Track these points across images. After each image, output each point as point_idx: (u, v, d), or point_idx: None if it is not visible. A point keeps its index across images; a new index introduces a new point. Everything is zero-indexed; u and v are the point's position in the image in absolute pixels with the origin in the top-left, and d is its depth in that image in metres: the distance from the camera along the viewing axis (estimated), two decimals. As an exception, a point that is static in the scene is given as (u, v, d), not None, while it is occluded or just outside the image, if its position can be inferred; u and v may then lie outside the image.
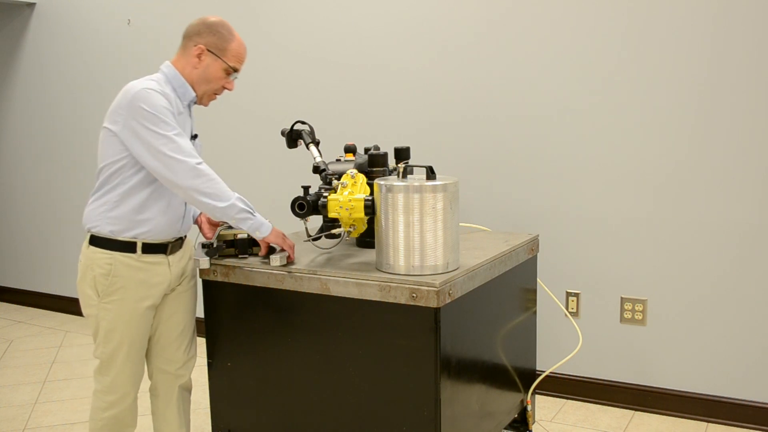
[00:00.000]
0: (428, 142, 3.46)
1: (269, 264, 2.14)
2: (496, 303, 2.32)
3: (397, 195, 1.95)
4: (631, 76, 3.02)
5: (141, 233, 2.12)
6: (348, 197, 2.06)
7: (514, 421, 2.65)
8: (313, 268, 2.08)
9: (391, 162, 2.50)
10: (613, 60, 3.05)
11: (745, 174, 2.87)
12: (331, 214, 2.09)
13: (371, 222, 2.16)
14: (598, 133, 3.11)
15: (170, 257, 2.21)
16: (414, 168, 2.15)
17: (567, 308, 3.25)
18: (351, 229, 2.12)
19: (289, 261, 2.15)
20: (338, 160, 2.40)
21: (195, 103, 2.25)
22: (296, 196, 2.14)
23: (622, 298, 3.15)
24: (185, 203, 2.23)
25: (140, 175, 2.09)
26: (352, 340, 2.03)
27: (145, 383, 2.32)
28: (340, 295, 2.02)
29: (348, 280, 2.00)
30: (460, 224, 2.36)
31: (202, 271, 2.25)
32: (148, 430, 2.68)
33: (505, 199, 3.34)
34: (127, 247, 2.12)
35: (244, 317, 2.23)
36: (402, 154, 2.41)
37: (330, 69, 3.73)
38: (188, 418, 2.42)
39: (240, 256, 2.25)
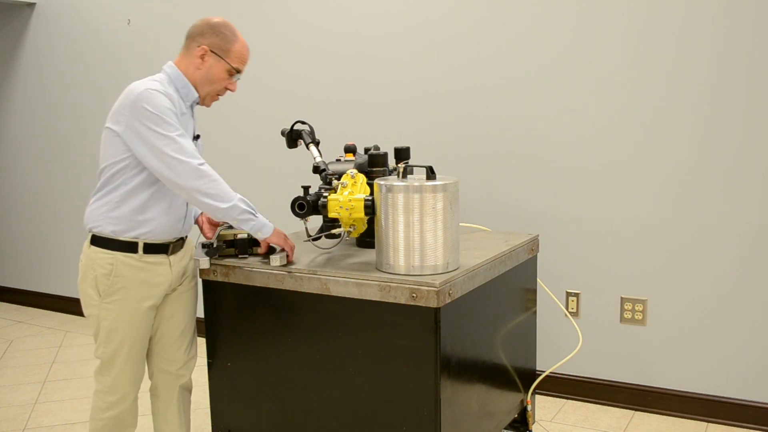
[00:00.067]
0: (428, 142, 3.46)
1: (269, 264, 2.14)
2: (496, 303, 2.32)
3: (397, 195, 1.95)
4: (631, 76, 3.02)
5: (143, 233, 2.12)
6: (348, 197, 2.06)
7: (514, 421, 2.65)
8: (313, 268, 2.08)
9: (391, 162, 2.50)
10: (613, 60, 3.05)
11: (745, 174, 2.87)
12: (331, 214, 2.09)
13: (371, 222, 2.16)
14: (598, 133, 3.11)
15: (171, 257, 2.21)
16: (414, 168, 2.15)
17: (567, 308, 3.25)
18: (351, 229, 2.12)
19: (289, 262, 2.15)
20: (338, 160, 2.40)
21: (197, 103, 2.25)
22: (296, 196, 2.14)
23: (622, 298, 3.15)
24: (187, 204, 2.23)
25: (142, 175, 2.09)
26: (352, 340, 2.03)
27: (146, 383, 2.32)
28: (340, 295, 2.02)
29: (348, 280, 2.00)
30: (460, 224, 2.36)
31: (202, 271, 2.25)
32: (149, 430, 2.68)
33: (505, 199, 3.34)
34: (129, 247, 2.12)
35: (244, 317, 2.23)
36: (402, 154, 2.41)
37: (330, 69, 3.73)
38: (188, 418, 2.42)
39: (240, 256, 2.25)
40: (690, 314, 3.03)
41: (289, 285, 2.10)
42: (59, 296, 5.01)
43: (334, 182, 2.15)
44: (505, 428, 2.57)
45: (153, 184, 2.11)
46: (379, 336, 1.98)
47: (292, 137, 2.41)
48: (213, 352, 2.31)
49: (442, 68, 3.42)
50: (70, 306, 4.90)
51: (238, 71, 2.23)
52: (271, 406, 2.22)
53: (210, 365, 2.32)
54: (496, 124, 3.32)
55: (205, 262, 2.21)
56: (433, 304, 1.88)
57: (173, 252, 2.22)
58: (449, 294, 1.92)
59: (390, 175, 2.36)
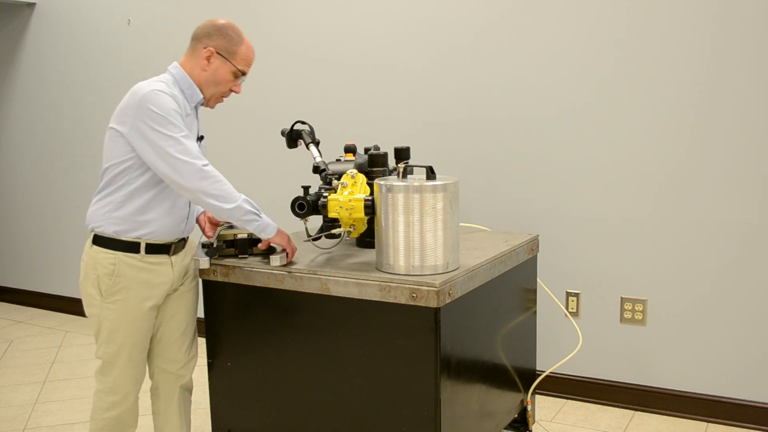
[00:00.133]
0: (428, 142, 3.46)
1: (269, 264, 2.14)
2: (496, 303, 2.32)
3: (397, 195, 1.95)
4: (631, 76, 3.02)
5: (145, 234, 2.13)
6: (348, 197, 2.07)
7: (514, 421, 2.65)
8: (313, 268, 2.08)
9: (391, 162, 2.50)
10: (613, 60, 3.05)
11: (745, 174, 2.87)
12: (331, 214, 2.09)
13: (371, 222, 2.16)
14: (598, 133, 3.11)
15: (173, 257, 2.21)
16: (414, 168, 2.15)
17: (567, 308, 3.25)
18: (351, 229, 2.12)
19: (288, 262, 2.16)
20: (338, 160, 2.40)
21: (202, 104, 2.25)
22: (296, 196, 2.14)
23: (622, 298, 3.15)
24: (189, 204, 2.23)
25: (146, 176, 2.10)
26: (352, 340, 2.03)
27: (146, 383, 2.32)
28: (340, 295, 2.02)
29: (348, 280, 2.00)
30: (460, 224, 2.36)
31: (202, 271, 2.25)
32: (149, 429, 2.68)
33: (505, 199, 3.34)
34: (131, 247, 2.12)
35: (244, 317, 2.23)
36: (402, 154, 2.41)
37: (330, 69, 3.73)
38: (189, 418, 2.42)
39: (240, 256, 2.25)
40: (690, 314, 3.03)
41: (289, 285, 2.10)
42: (59, 296, 5.01)
43: (334, 182, 2.15)
44: (505, 428, 2.57)
45: (156, 184, 2.11)
46: (379, 336, 1.98)
47: (292, 137, 2.41)
48: (213, 352, 2.31)
49: (442, 68, 3.42)
50: (70, 306, 4.90)
51: (243, 73, 2.23)
52: (271, 406, 2.22)
53: (210, 365, 2.32)
54: (496, 124, 3.32)
55: (205, 262, 2.22)
56: (433, 304, 1.88)
57: (175, 252, 2.22)
58: (449, 294, 1.92)
59: (390, 175, 2.36)
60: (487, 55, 3.30)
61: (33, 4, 4.80)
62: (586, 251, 3.20)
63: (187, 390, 2.40)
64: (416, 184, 1.95)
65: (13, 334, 4.57)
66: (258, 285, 2.16)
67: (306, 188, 2.18)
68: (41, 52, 4.83)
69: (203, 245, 2.27)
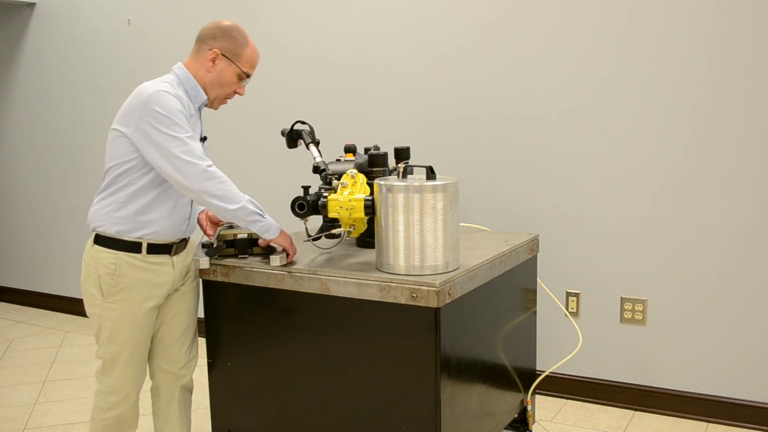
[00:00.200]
0: (428, 142, 3.46)
1: (269, 264, 2.14)
2: (496, 303, 2.32)
3: (397, 195, 1.95)
4: (631, 76, 3.02)
5: (147, 234, 2.13)
6: (348, 197, 2.07)
7: (514, 421, 2.65)
8: (313, 268, 2.08)
9: (391, 162, 2.50)
10: (613, 60, 3.05)
11: (745, 174, 2.87)
12: (331, 214, 2.09)
13: (371, 222, 2.16)
14: (598, 133, 3.11)
15: (174, 258, 2.21)
16: (414, 168, 2.15)
17: (567, 308, 3.25)
18: (351, 229, 2.12)
19: (288, 262, 2.16)
20: (338, 160, 2.40)
21: (206, 106, 2.25)
22: (296, 196, 2.14)
23: (622, 298, 3.15)
24: (191, 205, 2.24)
25: (149, 176, 2.10)
26: (352, 340, 2.03)
27: (146, 383, 2.32)
28: (340, 295, 2.02)
29: (348, 280, 2.00)
30: (460, 224, 2.36)
31: (202, 271, 2.25)
32: (149, 429, 2.68)
33: (505, 199, 3.34)
34: (132, 247, 2.12)
35: (244, 317, 2.23)
36: (402, 154, 2.41)
37: (330, 69, 3.73)
38: (189, 418, 2.42)
39: (240, 256, 2.25)
40: (690, 314, 3.03)
41: (289, 285, 2.10)
42: (59, 296, 5.01)
43: (334, 182, 2.15)
44: (505, 428, 2.57)
45: (159, 185, 2.11)
46: (379, 336, 1.98)
47: (292, 137, 2.41)
48: (213, 352, 2.31)
49: (442, 68, 3.42)
50: (70, 306, 4.90)
51: (248, 75, 2.23)
52: (271, 406, 2.22)
53: (210, 365, 2.32)
54: (496, 124, 3.32)
55: (205, 262, 2.22)
56: (433, 304, 1.88)
57: (176, 252, 2.22)
58: (449, 294, 1.92)
59: (390, 175, 2.36)
60: (487, 55, 3.30)
61: (33, 4, 4.80)
62: (586, 251, 3.20)
63: (188, 390, 2.40)
64: (416, 184, 1.95)
65: (13, 334, 4.57)
66: (258, 285, 2.16)
67: (306, 188, 2.18)
68: (41, 52, 4.83)
69: (203, 245, 2.28)
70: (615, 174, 3.10)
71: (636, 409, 3.17)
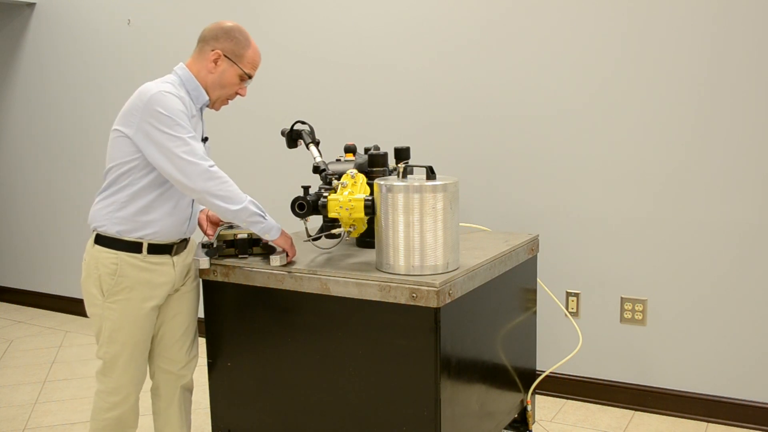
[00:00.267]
0: (428, 142, 3.46)
1: (269, 264, 2.14)
2: (496, 303, 2.32)
3: (397, 195, 1.96)
4: (631, 76, 3.02)
5: (148, 234, 2.13)
6: (348, 197, 2.07)
7: (514, 421, 2.65)
8: (313, 268, 2.08)
9: (391, 162, 2.50)
10: (613, 60, 3.05)
11: (745, 174, 2.87)
12: (331, 214, 2.09)
13: (371, 222, 2.16)
14: (599, 133, 3.11)
15: (175, 258, 2.21)
16: (414, 168, 2.15)
17: (567, 308, 3.25)
18: (351, 229, 2.12)
19: (288, 262, 2.16)
20: (338, 160, 2.40)
21: (207, 106, 2.25)
22: (296, 196, 2.14)
23: (622, 298, 3.15)
24: (192, 205, 2.24)
25: (150, 176, 2.10)
26: (352, 340, 2.03)
27: (146, 383, 2.32)
28: (340, 295, 2.02)
29: (348, 280, 2.00)
30: (460, 224, 2.36)
31: (202, 271, 2.26)
32: (149, 430, 2.68)
33: (505, 199, 3.34)
34: (133, 247, 2.12)
35: (244, 317, 2.23)
36: (402, 154, 2.41)
37: (330, 69, 3.73)
38: (189, 418, 2.42)
39: (240, 256, 2.25)
40: (690, 314, 3.03)
41: (289, 285, 2.10)
42: (59, 296, 5.01)
43: (334, 182, 2.15)
44: (505, 428, 2.57)
45: (160, 185, 2.11)
46: (379, 336, 1.98)
47: (292, 137, 2.41)
48: (213, 352, 2.31)
49: (442, 68, 3.42)
50: (70, 306, 4.90)
51: (250, 77, 2.23)
52: (271, 406, 2.22)
53: (210, 365, 2.32)
54: (496, 124, 3.32)
55: (205, 262, 2.22)
56: (433, 304, 1.88)
57: (177, 252, 2.22)
58: (449, 294, 1.92)
59: (390, 175, 2.36)
60: (487, 55, 3.30)
61: (33, 4, 4.80)
62: (586, 251, 3.20)
63: (188, 390, 2.40)
64: (416, 184, 1.95)
65: (13, 334, 4.57)
66: (258, 285, 2.16)
67: (306, 188, 2.18)
68: (41, 52, 4.83)
69: (203, 245, 2.28)
70: (615, 174, 3.10)
71: (636, 409, 3.17)
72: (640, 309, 3.12)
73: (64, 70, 4.73)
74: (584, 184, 3.17)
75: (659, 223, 3.04)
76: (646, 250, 3.08)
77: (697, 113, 2.92)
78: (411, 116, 3.52)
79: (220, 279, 2.22)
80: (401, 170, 2.06)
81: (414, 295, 1.90)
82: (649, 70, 2.98)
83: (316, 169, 2.26)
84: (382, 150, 2.40)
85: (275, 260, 2.13)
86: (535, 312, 2.72)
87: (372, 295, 1.97)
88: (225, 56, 2.17)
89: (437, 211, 1.95)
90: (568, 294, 3.27)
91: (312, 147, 2.35)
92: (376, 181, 2.04)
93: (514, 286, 2.47)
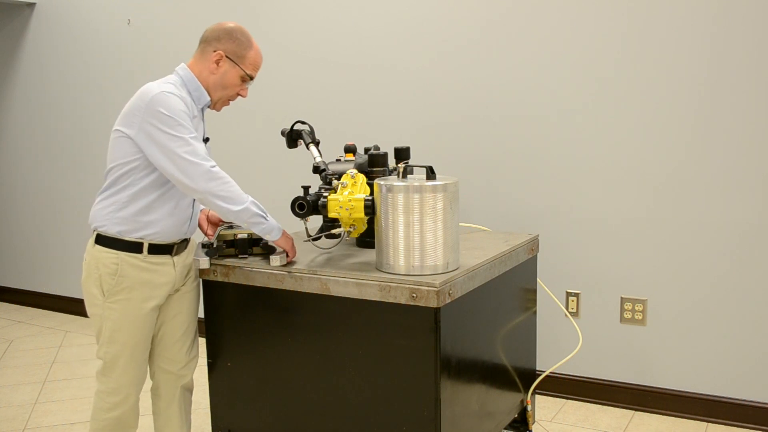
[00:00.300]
0: (428, 142, 3.46)
1: (269, 264, 2.14)
2: (496, 303, 2.32)
3: (397, 195, 1.95)
4: (631, 76, 3.02)
5: (148, 234, 2.13)
6: (348, 197, 2.07)
7: (514, 421, 2.65)
8: (313, 268, 2.08)
9: (391, 162, 2.50)
10: (613, 60, 3.05)
11: (745, 174, 2.87)
12: (331, 214, 2.09)
13: (371, 222, 2.16)
14: (598, 133, 3.11)
15: (175, 258, 2.22)
16: (414, 168, 2.15)
17: (567, 308, 3.25)
18: (351, 229, 2.12)
19: (288, 262, 2.16)
20: (338, 160, 2.40)
21: (208, 107, 2.25)
22: (296, 196, 2.14)
23: (622, 298, 3.15)
24: (192, 205, 2.24)
25: (152, 177, 2.10)
26: (352, 340, 2.03)
27: (146, 383, 2.32)
28: (340, 295, 2.02)
29: (348, 280, 2.00)
30: (460, 224, 2.36)
31: (202, 271, 2.26)
32: (149, 430, 2.68)
33: (505, 199, 3.34)
34: (134, 247, 2.12)
35: (244, 317, 2.23)
36: (402, 154, 2.41)
37: (330, 69, 3.73)
38: (189, 418, 2.42)
39: (240, 256, 2.25)
40: (690, 314, 3.03)
41: (289, 285, 2.10)
42: (59, 296, 5.01)
43: (334, 182, 2.15)
44: (505, 428, 2.57)
45: (161, 185, 2.11)
46: (379, 336, 1.98)
47: (292, 137, 2.41)
48: (213, 352, 2.31)
49: (442, 68, 3.42)
50: (70, 306, 4.90)
51: (251, 78, 2.23)
52: (271, 406, 2.22)
53: (210, 365, 2.32)
54: (496, 124, 3.32)
55: (205, 262, 2.22)
56: (433, 304, 1.88)
57: (177, 253, 2.22)
58: (449, 294, 1.92)
59: (390, 175, 2.36)
60: (487, 55, 3.30)
61: (33, 4, 4.80)
62: (586, 251, 3.20)
63: (188, 390, 2.40)
64: (416, 184, 1.95)
65: (13, 334, 4.57)
66: (258, 285, 2.16)
67: (306, 188, 2.18)
68: (41, 52, 4.83)
69: (203, 245, 2.28)
70: (615, 174, 3.10)
71: (636, 409, 3.17)
72: (640, 309, 3.12)
73: (64, 70, 4.73)
74: (584, 184, 3.17)
75: (659, 223, 3.04)
76: (646, 250, 3.08)
77: (697, 113, 2.92)
78: (411, 116, 3.52)
79: (220, 279, 2.22)
80: (401, 170, 2.06)
81: (414, 295, 1.90)
82: (649, 70, 2.98)
83: (316, 169, 2.26)
84: (382, 150, 2.40)
85: (275, 260, 2.13)
86: (535, 312, 2.72)
87: (372, 295, 1.97)
88: (227, 57, 2.17)
89: (437, 211, 1.95)
90: (568, 294, 3.27)
91: (312, 147, 2.35)
92: (376, 181, 2.04)
93: (514, 286, 2.47)
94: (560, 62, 3.15)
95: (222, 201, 2.03)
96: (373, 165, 2.34)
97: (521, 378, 2.61)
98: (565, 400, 3.31)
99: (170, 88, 2.08)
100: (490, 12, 3.27)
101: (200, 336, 2.39)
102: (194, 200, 2.24)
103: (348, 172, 2.18)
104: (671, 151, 2.98)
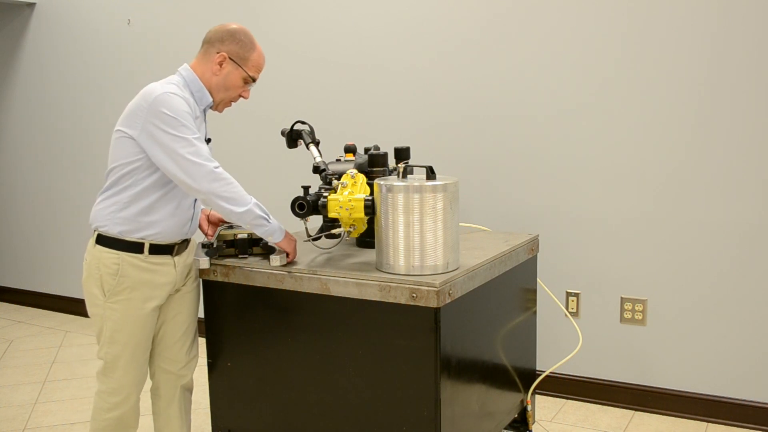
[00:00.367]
0: (428, 142, 3.46)
1: (269, 264, 2.14)
2: (496, 303, 2.32)
3: (397, 195, 1.96)
4: (631, 76, 3.02)
5: (150, 235, 2.13)
6: (348, 197, 2.07)
7: (514, 421, 2.65)
8: (313, 268, 2.08)
9: (391, 162, 2.50)
10: (613, 60, 3.05)
11: (745, 174, 2.87)
12: (331, 214, 2.09)
13: (371, 222, 2.16)
14: (598, 133, 3.11)
15: (176, 258, 2.21)
16: (414, 168, 2.15)
17: (567, 308, 3.25)
18: (351, 229, 2.12)
19: (289, 262, 2.16)
20: (338, 160, 2.40)
21: (210, 108, 2.25)
22: (296, 196, 2.15)
23: (622, 298, 3.15)
24: (194, 206, 2.24)
25: (153, 177, 2.10)
26: (352, 340, 2.03)
27: (146, 383, 2.32)
28: (340, 295, 2.02)
29: (348, 280, 2.00)
30: (460, 224, 2.36)
31: (202, 271, 2.26)
32: (149, 430, 2.68)
33: (505, 199, 3.34)
34: (135, 247, 2.12)
35: (244, 317, 2.23)
36: (402, 154, 2.41)
37: (330, 69, 3.73)
38: (189, 418, 2.42)
39: (240, 256, 2.25)
40: (690, 314, 3.03)
41: (289, 285, 2.10)
42: (59, 296, 5.01)
43: (334, 182, 2.15)
44: (505, 428, 2.57)
45: (163, 186, 2.11)
46: (379, 336, 1.98)
47: (292, 137, 2.41)
48: (213, 352, 2.31)
49: (442, 68, 3.42)
50: (70, 306, 4.90)
51: (254, 80, 2.23)
52: (271, 406, 2.22)
53: (210, 365, 2.32)
54: (496, 124, 3.32)
55: (205, 262, 2.22)
56: (433, 304, 1.88)
57: (178, 253, 2.22)
58: (449, 294, 1.92)
59: (390, 175, 2.36)
60: (487, 55, 3.30)
61: (33, 4, 4.80)
62: (586, 251, 3.20)
63: (188, 390, 2.40)
64: (416, 184, 1.95)
65: (13, 334, 4.57)
66: (258, 285, 2.16)
67: (306, 188, 2.18)
68: (41, 52, 4.83)
69: (203, 245, 2.28)
70: (615, 174, 3.10)
71: (636, 409, 3.17)
72: (640, 309, 3.12)
73: (64, 70, 4.73)
74: (584, 184, 3.17)
75: (659, 223, 3.04)
76: (646, 250, 3.08)
77: (697, 113, 2.92)
78: (411, 116, 3.52)
79: (220, 279, 2.23)
80: (401, 170, 2.06)
81: (414, 295, 1.90)
82: (649, 70, 2.98)
83: (316, 169, 2.26)
84: (382, 150, 2.40)
85: (275, 260, 2.13)
86: (535, 312, 2.72)
87: (372, 295, 1.97)
88: (230, 59, 2.17)
89: (437, 211, 1.95)
90: (568, 294, 3.27)
91: (312, 147, 2.35)
92: (376, 181, 2.04)
93: (514, 286, 2.47)
94: (560, 62, 3.15)
95: (225, 202, 2.03)
96: (373, 165, 2.34)
97: (521, 378, 2.61)
98: (565, 400, 3.31)
99: (173, 89, 2.08)
100: (490, 12, 3.27)
101: (200, 336, 2.39)
102: (195, 201, 2.24)
103: (348, 172, 2.18)
104: (671, 151, 2.98)
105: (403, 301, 1.92)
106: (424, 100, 3.48)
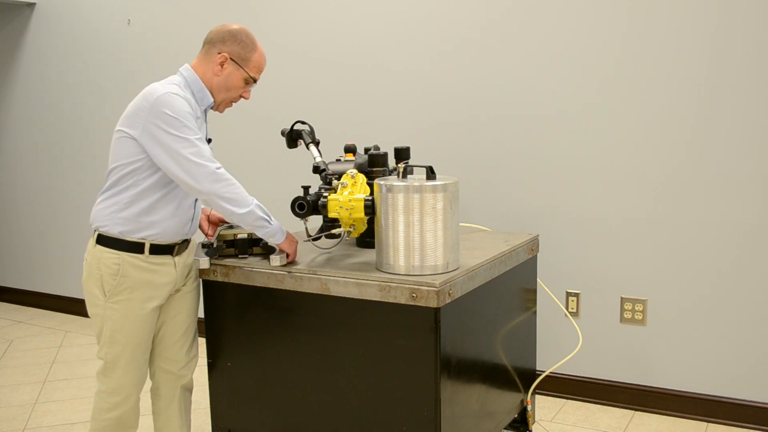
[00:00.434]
0: (428, 142, 3.46)
1: (269, 264, 2.14)
2: (496, 303, 2.32)
3: (397, 195, 1.96)
4: (631, 76, 3.02)
5: (150, 235, 2.13)
6: (348, 197, 2.07)
7: (514, 421, 2.65)
8: (313, 268, 2.08)
9: (391, 162, 2.50)
10: (614, 60, 3.05)
11: (745, 174, 2.87)
12: (331, 214, 2.09)
13: (371, 222, 2.16)
14: (598, 133, 3.11)
15: (176, 258, 2.22)
16: (414, 168, 2.15)
17: (567, 308, 3.25)
18: (351, 229, 2.12)
19: (289, 262, 2.16)
20: (338, 160, 2.40)
21: (211, 108, 2.25)
22: (296, 196, 2.15)
23: (622, 298, 3.15)
24: (194, 206, 2.24)
25: (154, 177, 2.10)
26: (352, 340, 2.03)
27: (146, 383, 2.32)
28: (340, 295, 2.02)
29: (348, 280, 2.00)
30: (460, 224, 2.36)
31: (202, 271, 2.26)
32: (149, 430, 2.68)
33: (505, 199, 3.34)
34: (135, 247, 2.12)
35: (244, 317, 2.23)
36: (402, 154, 2.41)
37: (330, 69, 3.73)
38: (189, 418, 2.42)
39: (240, 256, 2.25)
40: (690, 314, 3.03)
41: (289, 285, 2.10)
42: (59, 296, 5.01)
43: (334, 182, 2.15)
44: (505, 428, 2.57)
45: (164, 186, 2.11)
46: (379, 336, 1.98)
47: (292, 137, 2.41)
48: (213, 352, 2.31)
49: (442, 68, 3.42)
50: (70, 306, 4.90)
51: (255, 80, 2.23)
52: (271, 406, 2.22)
53: (210, 365, 2.32)
54: (496, 124, 3.32)
55: (205, 262, 2.22)
56: (433, 304, 1.88)
57: (178, 253, 2.22)
58: (449, 294, 1.92)
59: (390, 175, 2.36)
60: (487, 56, 3.30)
61: (33, 4, 4.80)
62: (586, 251, 3.20)
63: (188, 390, 2.40)
64: (416, 184, 1.95)
65: (13, 334, 4.57)
66: (258, 285, 2.16)
67: (306, 188, 2.18)
68: (41, 52, 4.83)
69: (203, 245, 2.28)
70: (615, 174, 3.10)
71: (636, 409, 3.17)
72: (640, 309, 3.12)
73: (64, 70, 4.73)
74: (584, 184, 3.17)
75: (659, 223, 3.04)
76: (646, 250, 3.08)
77: (697, 113, 2.92)
78: (411, 116, 3.52)
79: (220, 279, 2.23)
80: (401, 170, 2.06)
81: (414, 295, 1.90)
82: (649, 70, 2.98)
83: (316, 169, 2.26)
84: (382, 150, 2.40)
85: (275, 260, 2.13)
86: (535, 312, 2.72)
87: (372, 295, 1.97)
88: (231, 59, 2.17)
89: (437, 211, 1.95)
90: (568, 294, 3.27)
91: (312, 147, 2.35)
92: (376, 181, 2.04)
93: (514, 286, 2.48)
94: (560, 62, 3.15)
95: (227, 203, 2.03)
96: (373, 165, 2.34)
97: (521, 378, 2.61)
98: (565, 400, 3.31)
99: (175, 89, 2.08)
100: (490, 12, 3.27)
101: (200, 336, 2.39)
102: (196, 201, 2.24)
103: (348, 172, 2.18)
104: (671, 152, 2.98)
105: (403, 301, 1.92)
106: (424, 100, 3.48)
